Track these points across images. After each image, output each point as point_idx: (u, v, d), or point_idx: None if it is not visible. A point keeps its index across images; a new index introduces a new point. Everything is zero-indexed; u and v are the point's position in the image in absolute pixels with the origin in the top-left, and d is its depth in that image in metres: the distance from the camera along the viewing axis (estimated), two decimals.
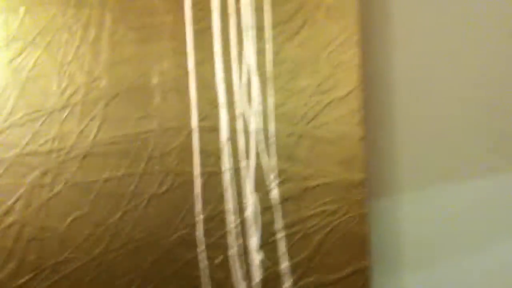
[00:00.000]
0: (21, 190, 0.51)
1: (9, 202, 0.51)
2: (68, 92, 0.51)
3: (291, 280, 0.50)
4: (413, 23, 0.52)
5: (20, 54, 0.52)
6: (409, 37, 0.52)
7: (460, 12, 0.52)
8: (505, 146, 0.51)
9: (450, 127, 0.51)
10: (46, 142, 0.51)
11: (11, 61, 0.52)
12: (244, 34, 0.48)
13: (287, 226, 0.49)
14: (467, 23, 0.52)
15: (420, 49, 0.52)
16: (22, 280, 0.51)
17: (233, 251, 0.50)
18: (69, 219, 0.51)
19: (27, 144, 0.51)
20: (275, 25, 0.49)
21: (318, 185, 0.49)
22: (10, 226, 0.52)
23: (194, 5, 0.49)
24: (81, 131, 0.51)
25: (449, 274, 0.52)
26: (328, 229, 0.49)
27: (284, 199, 0.49)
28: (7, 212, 0.51)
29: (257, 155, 0.49)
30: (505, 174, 0.51)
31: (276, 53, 0.49)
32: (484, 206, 0.52)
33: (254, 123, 0.49)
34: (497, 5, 0.52)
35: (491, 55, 0.52)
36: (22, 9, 0.51)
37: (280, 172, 0.49)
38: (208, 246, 0.50)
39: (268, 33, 0.49)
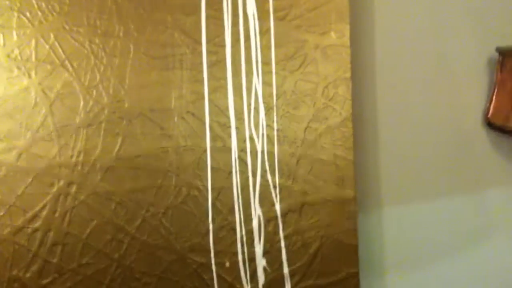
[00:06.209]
0: (47, 198, 0.54)
1: (36, 209, 0.54)
2: (93, 111, 0.54)
3: (291, 283, 0.53)
4: (397, 63, 0.57)
5: (49, 75, 0.55)
6: (393, 75, 0.57)
7: (441, 52, 0.57)
8: (474, 168, 0.56)
9: (427, 151, 0.57)
10: (72, 155, 0.54)
11: (41, 81, 0.55)
12: (252, 67, 0.52)
13: (287, 236, 0.53)
14: (446, 62, 0.57)
15: (402, 85, 0.57)
16: (46, 281, 0.54)
17: (240, 257, 0.53)
18: (91, 226, 0.54)
19: (54, 157, 0.54)
20: (278, 61, 0.53)
21: (315, 201, 0.52)
22: (35, 231, 0.54)
23: (210, 40, 0.53)
24: (105, 147, 0.54)
25: (427, 278, 0.57)
26: (323, 239, 0.52)
27: (285, 212, 0.53)
28: (33, 218, 0.54)
29: (263, 173, 0.53)
30: (471, 192, 0.57)
31: (279, 86, 0.53)
32: (455, 219, 0.57)
33: (260, 145, 0.53)
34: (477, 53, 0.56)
35: (468, 88, 0.57)
36: (51, 36, 0.55)
37: (282, 189, 0.53)
38: (218, 253, 0.53)
39: (272, 67, 0.52)
